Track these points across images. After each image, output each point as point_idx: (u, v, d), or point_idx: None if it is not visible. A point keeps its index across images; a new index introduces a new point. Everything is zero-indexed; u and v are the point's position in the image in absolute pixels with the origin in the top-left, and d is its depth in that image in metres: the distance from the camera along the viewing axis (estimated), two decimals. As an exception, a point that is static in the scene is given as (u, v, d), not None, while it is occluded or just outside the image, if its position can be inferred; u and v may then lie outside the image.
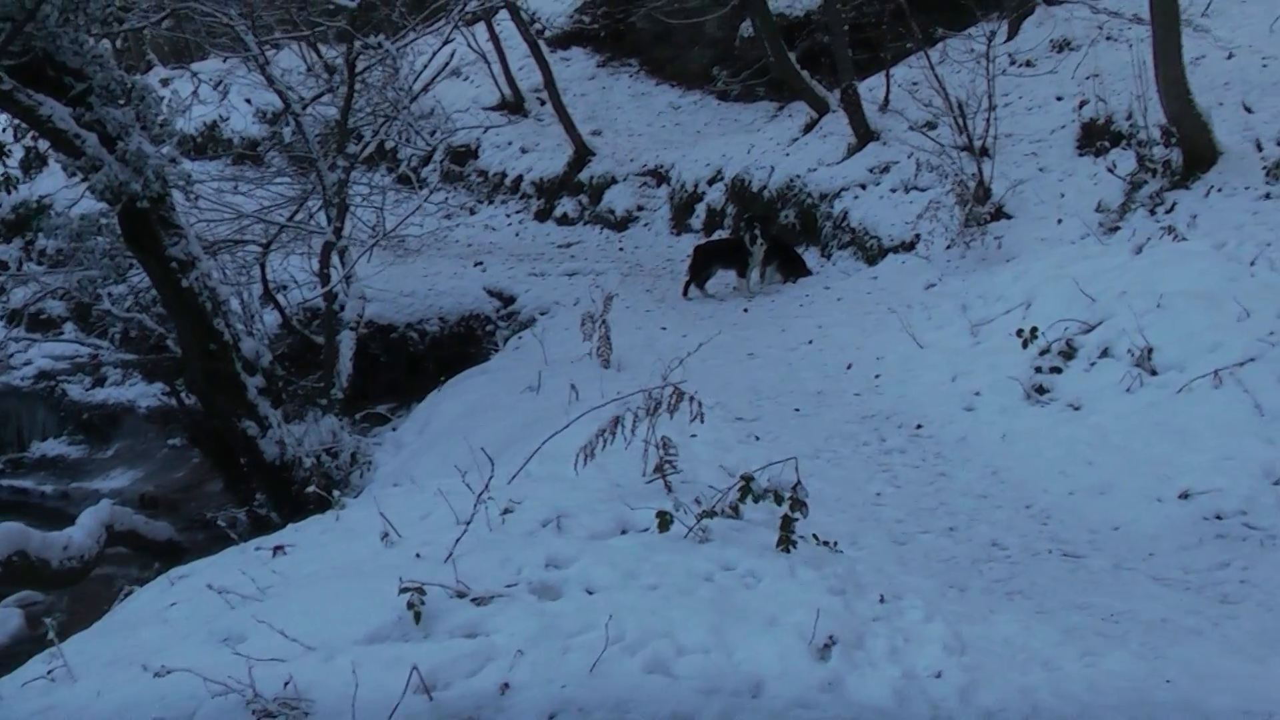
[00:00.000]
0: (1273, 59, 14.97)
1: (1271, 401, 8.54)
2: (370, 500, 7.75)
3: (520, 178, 25.51)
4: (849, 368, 12.56)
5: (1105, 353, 10.13)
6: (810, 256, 17.78)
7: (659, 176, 23.54)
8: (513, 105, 27.26)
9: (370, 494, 9.56)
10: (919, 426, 10.59)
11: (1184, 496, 8.07)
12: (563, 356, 13.79)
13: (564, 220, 24.22)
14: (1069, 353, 10.40)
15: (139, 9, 15.21)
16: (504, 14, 25.81)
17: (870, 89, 19.38)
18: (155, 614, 6.02)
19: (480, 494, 6.33)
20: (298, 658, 4.88)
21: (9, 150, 12.41)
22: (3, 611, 12.09)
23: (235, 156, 24.85)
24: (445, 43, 17.32)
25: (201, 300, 12.39)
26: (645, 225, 22.89)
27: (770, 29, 21.00)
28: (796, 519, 6.29)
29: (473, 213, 25.30)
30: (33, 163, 13.04)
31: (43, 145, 12.24)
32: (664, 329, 15.41)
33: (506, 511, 6.61)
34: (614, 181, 23.78)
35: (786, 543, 6.24)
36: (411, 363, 18.78)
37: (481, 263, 20.93)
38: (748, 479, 6.52)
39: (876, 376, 12.10)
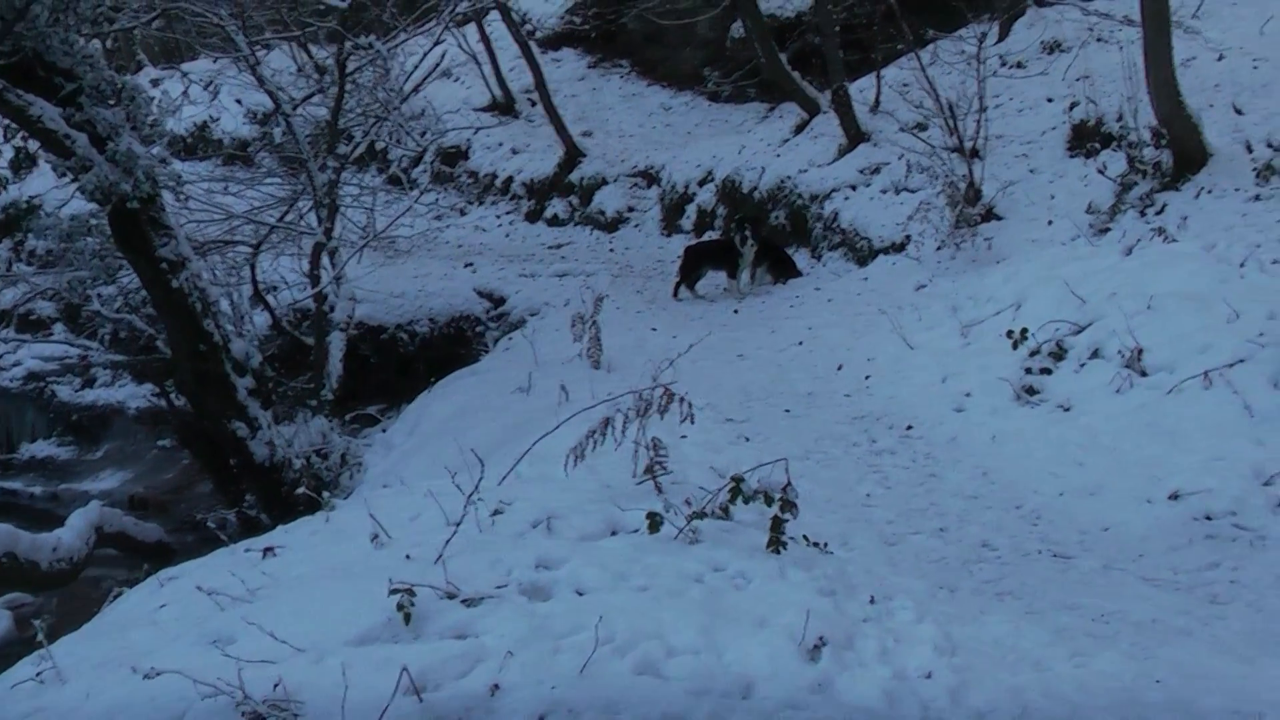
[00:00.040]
0: (1263, 61, 15.00)
1: (1261, 403, 8.55)
2: (360, 501, 7.75)
3: (511, 179, 25.50)
4: (839, 369, 12.57)
5: (1095, 354, 10.13)
6: (801, 257, 17.79)
7: (650, 177, 23.53)
8: (503, 106, 27.25)
9: (360, 495, 9.56)
10: (909, 427, 10.60)
11: (1174, 497, 8.08)
12: (553, 357, 13.78)
13: (554, 221, 24.20)
14: (1059, 354, 10.40)
15: (129, 9, 15.18)
16: (495, 15, 25.82)
17: (861, 90, 19.39)
18: (145, 616, 6.01)
19: (470, 495, 6.32)
20: (287, 659, 4.87)
21: (-2, 150, 12.41)
22: (-9, 613, 12.07)
23: (225, 157, 24.86)
24: (436, 43, 17.32)
25: (191, 301, 12.37)
26: (636, 226, 22.89)
27: (761, 30, 21.04)
28: (787, 520, 6.30)
29: (463, 214, 25.27)
30: (22, 163, 12.99)
31: (33, 145, 12.20)
32: (654, 330, 15.42)
33: (496, 513, 6.60)
34: (604, 182, 23.78)
35: (777, 544, 6.24)
36: (401, 364, 18.78)
37: (472, 264, 20.93)
38: (738, 480, 6.53)
39: (867, 377, 12.11)
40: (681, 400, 7.51)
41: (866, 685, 4.93)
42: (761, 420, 11.01)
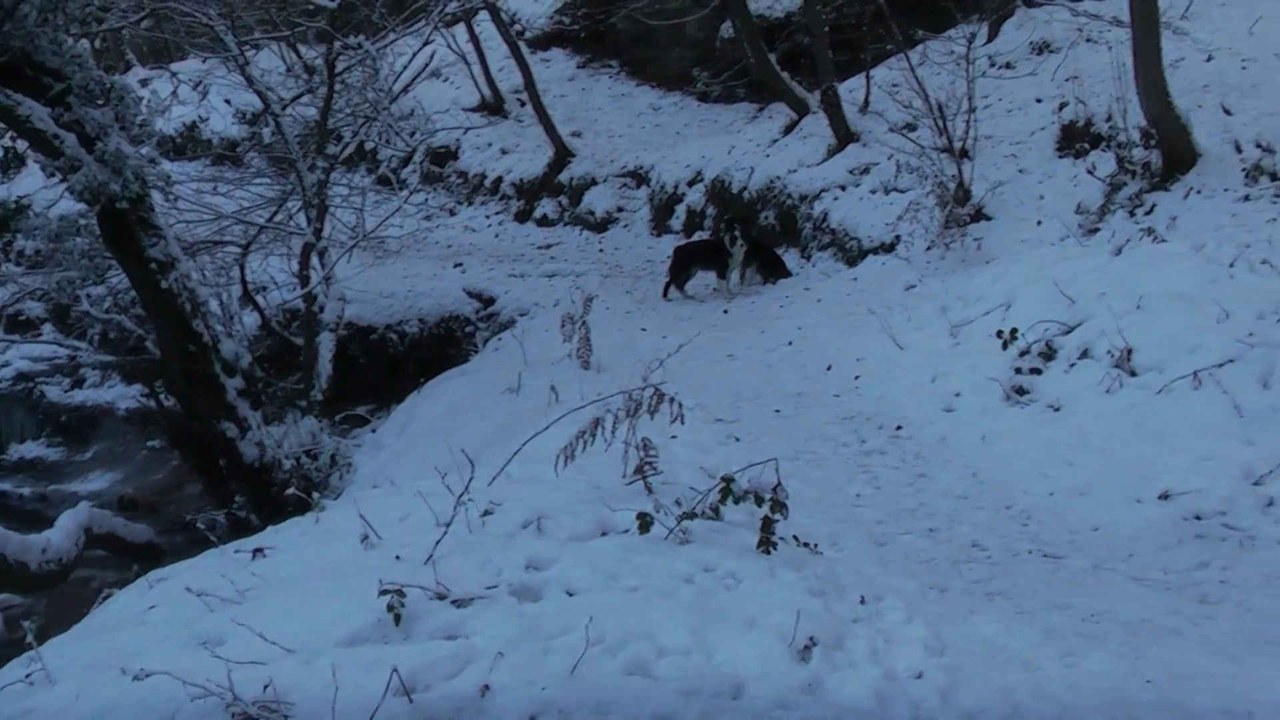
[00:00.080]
0: (1252, 61, 15.02)
1: (1250, 402, 8.56)
2: (350, 502, 7.74)
3: (500, 179, 25.49)
4: (829, 369, 12.57)
5: (1085, 354, 10.14)
6: (790, 258, 17.79)
7: (639, 178, 23.52)
8: (493, 106, 27.21)
9: (350, 496, 9.56)
10: (899, 428, 10.60)
11: (1163, 497, 8.09)
12: (543, 358, 13.77)
13: (544, 221, 24.17)
14: (1049, 354, 10.41)
15: (118, 9, 15.15)
16: (484, 15, 25.78)
17: (850, 90, 19.40)
18: (134, 617, 6.00)
19: (460, 496, 6.31)
20: (277, 660, 4.86)
21: (-13, 150, 12.40)
22: (-20, 615, 12.06)
23: (215, 157, 24.79)
24: (425, 44, 17.33)
25: (181, 301, 12.35)
26: (625, 226, 22.87)
27: (750, 30, 21.03)
28: (777, 520, 6.29)
29: (452, 214, 25.25)
30: (11, 163, 13.02)
31: (21, 145, 12.20)
32: (644, 330, 15.41)
33: (486, 513, 6.59)
34: (594, 183, 23.76)
35: (767, 544, 6.24)
36: (391, 364, 18.75)
37: (461, 264, 20.91)
38: (728, 480, 6.52)
39: (856, 378, 12.11)
40: (671, 400, 7.51)
41: (857, 685, 4.94)
42: (751, 420, 11.00)
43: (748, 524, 6.52)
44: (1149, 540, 7.73)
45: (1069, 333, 10.46)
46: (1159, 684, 5.25)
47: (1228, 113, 13.97)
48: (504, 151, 25.90)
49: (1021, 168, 15.46)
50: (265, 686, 4.61)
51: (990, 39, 19.60)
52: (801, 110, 20.33)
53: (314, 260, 14.95)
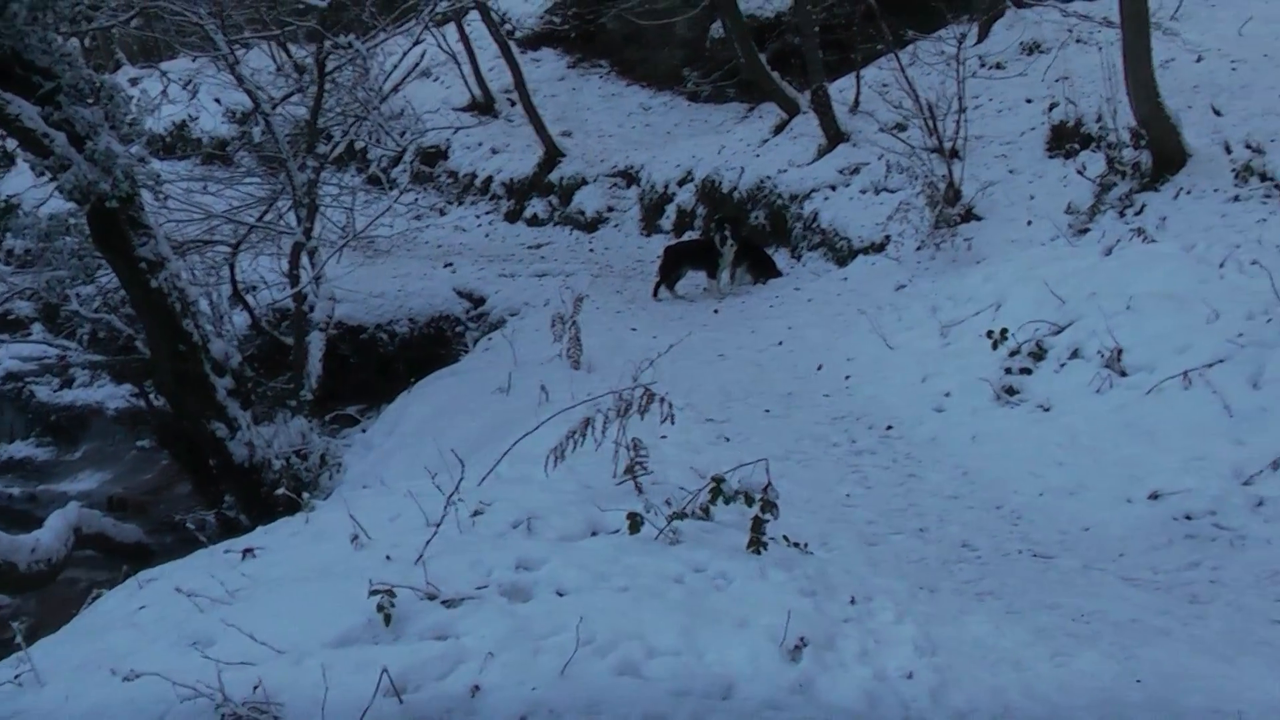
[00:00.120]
0: (1241, 62, 15.05)
1: (1240, 402, 8.57)
2: (340, 502, 7.71)
3: (490, 179, 25.48)
4: (819, 369, 12.58)
5: (1075, 354, 10.16)
6: (780, 258, 17.80)
7: (629, 177, 23.50)
8: (483, 106, 27.22)
9: (340, 496, 9.52)
10: (889, 427, 10.61)
11: (1154, 497, 8.10)
12: (533, 358, 13.76)
13: (534, 221, 24.15)
14: (1039, 354, 10.43)
15: (108, 7, 15.09)
16: (474, 15, 25.79)
17: (840, 90, 19.41)
18: (124, 617, 5.98)
19: (450, 496, 6.31)
20: (267, 661, 4.85)
21: (-24, 150, 12.37)
22: (-31, 616, 12.03)
23: (204, 156, 24.81)
24: (415, 43, 17.27)
25: (170, 301, 12.32)
26: (615, 226, 22.86)
27: (740, 30, 21.04)
28: (767, 520, 6.29)
29: (442, 214, 25.24)
30: (0, 161, 12.95)
31: (10, 144, 12.15)
32: (634, 330, 15.41)
33: (476, 513, 6.58)
34: (584, 182, 23.74)
35: (757, 544, 6.24)
36: (381, 364, 18.71)
37: (451, 264, 20.89)
38: (718, 480, 6.52)
39: (847, 378, 12.12)
40: (662, 400, 7.51)
41: (847, 686, 4.94)
42: (742, 420, 11.01)
43: (738, 524, 6.51)
44: (1139, 540, 7.74)
45: (1059, 333, 10.47)
46: (1149, 684, 5.25)
47: (1217, 113, 13.98)
48: (494, 151, 25.89)
49: (1012, 168, 15.46)
50: (255, 687, 4.60)
51: (980, 39, 19.62)
52: (792, 110, 20.33)
53: (304, 260, 14.93)
